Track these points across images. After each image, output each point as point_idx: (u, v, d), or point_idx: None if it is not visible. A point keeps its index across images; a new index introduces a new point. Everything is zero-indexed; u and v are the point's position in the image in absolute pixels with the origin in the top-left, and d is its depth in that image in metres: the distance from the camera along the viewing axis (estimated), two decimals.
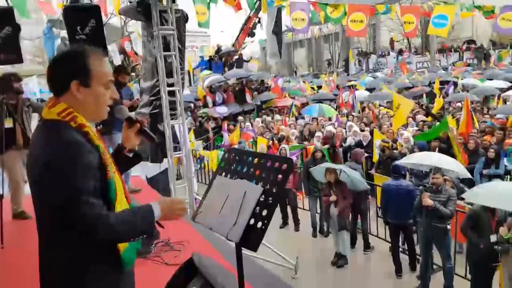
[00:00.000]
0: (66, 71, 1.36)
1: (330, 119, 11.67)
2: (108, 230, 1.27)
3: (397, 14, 12.61)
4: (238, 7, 8.68)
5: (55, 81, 1.39)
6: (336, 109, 13.43)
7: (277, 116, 13.47)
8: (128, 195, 1.53)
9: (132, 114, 1.71)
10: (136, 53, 15.95)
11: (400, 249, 5.82)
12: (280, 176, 1.35)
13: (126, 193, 1.52)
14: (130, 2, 5.94)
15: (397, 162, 5.68)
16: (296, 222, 7.31)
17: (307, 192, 7.14)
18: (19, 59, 4.86)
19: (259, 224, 1.30)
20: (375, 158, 8.10)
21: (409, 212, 5.23)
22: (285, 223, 7.44)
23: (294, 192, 7.21)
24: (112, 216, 1.29)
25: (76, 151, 1.26)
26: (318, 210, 7.15)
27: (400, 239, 5.72)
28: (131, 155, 1.69)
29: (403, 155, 7.03)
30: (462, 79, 15.72)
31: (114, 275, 1.40)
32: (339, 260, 5.83)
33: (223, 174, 1.58)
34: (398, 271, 5.52)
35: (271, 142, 9.78)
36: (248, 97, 15.66)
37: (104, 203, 1.31)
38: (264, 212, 1.30)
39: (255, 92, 16.10)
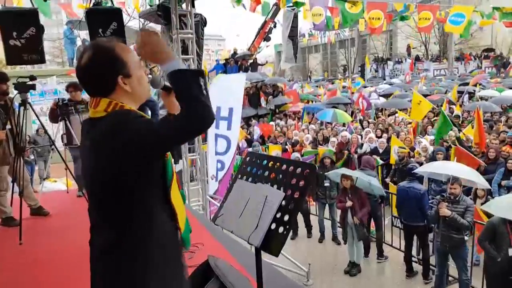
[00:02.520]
0: (109, 71, 1.35)
1: (344, 124, 11.58)
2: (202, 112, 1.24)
3: (414, 18, 12.59)
4: (257, 1, 8.83)
5: (99, 84, 1.38)
6: (351, 115, 13.32)
7: (291, 121, 13.44)
8: (179, 181, 1.52)
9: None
10: None
11: (415, 258, 5.74)
12: (302, 181, 1.35)
13: (178, 178, 1.53)
14: (151, 6, 6.05)
15: (415, 171, 5.61)
16: (309, 229, 7.18)
17: (315, 198, 7.10)
18: (42, 60, 4.95)
19: (281, 229, 1.29)
20: (392, 159, 7.98)
21: (420, 214, 5.29)
22: (295, 233, 7.15)
23: (306, 200, 7.13)
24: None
25: (141, 116, 1.35)
26: (326, 216, 7.10)
27: (415, 248, 5.66)
28: None
29: (419, 164, 6.92)
30: (479, 90, 15.41)
31: (179, 258, 1.43)
32: (353, 269, 5.77)
33: (244, 177, 1.59)
34: (409, 271, 5.59)
35: (286, 146, 9.78)
36: (262, 101, 15.69)
37: (163, 182, 1.36)
38: (286, 218, 1.30)
39: (270, 97, 16.13)
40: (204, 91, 1.28)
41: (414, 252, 5.75)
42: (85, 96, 5.13)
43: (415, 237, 5.62)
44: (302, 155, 9.13)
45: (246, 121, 14.69)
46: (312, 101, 16.66)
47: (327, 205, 6.92)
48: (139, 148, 1.24)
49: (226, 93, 6.15)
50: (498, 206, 4.36)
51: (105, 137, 1.27)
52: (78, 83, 1.57)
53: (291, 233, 7.09)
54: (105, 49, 1.37)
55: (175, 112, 1.59)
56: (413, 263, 5.69)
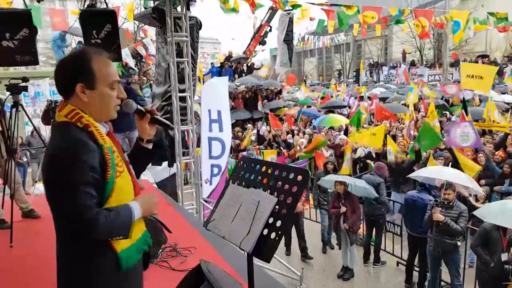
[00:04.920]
0: (70, 75, 1.38)
1: (339, 129, 11.57)
2: (105, 228, 1.30)
3: (409, 24, 12.69)
4: (253, 5, 8.89)
5: (61, 85, 1.43)
6: (347, 117, 13.35)
7: (286, 124, 13.46)
8: (138, 191, 1.54)
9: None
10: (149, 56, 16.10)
11: (404, 262, 5.75)
12: (295, 187, 1.34)
13: (137, 193, 1.53)
14: (145, 8, 6.02)
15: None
16: (288, 247, 6.65)
17: (317, 204, 6.98)
18: (34, 61, 4.88)
19: (273, 235, 1.28)
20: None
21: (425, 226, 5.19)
22: (288, 244, 6.68)
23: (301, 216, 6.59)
24: (103, 214, 1.31)
25: (78, 149, 1.31)
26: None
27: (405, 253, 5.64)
28: (150, 146, 1.68)
29: None
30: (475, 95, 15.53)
31: (114, 273, 1.42)
32: (345, 273, 5.76)
33: (236, 182, 1.58)
34: (408, 281, 5.55)
35: (279, 149, 9.79)
36: (259, 105, 15.74)
37: (98, 202, 1.35)
38: (278, 223, 1.29)
39: (265, 100, 16.17)
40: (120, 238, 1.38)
41: (405, 257, 5.77)
42: None
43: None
44: (297, 159, 9.15)
45: (242, 125, 14.68)
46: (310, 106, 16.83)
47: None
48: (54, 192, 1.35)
49: (213, 97, 6.25)
50: (490, 212, 4.38)
51: (48, 154, 1.38)
52: None
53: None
54: (80, 55, 1.42)
55: (145, 137, 1.64)
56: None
